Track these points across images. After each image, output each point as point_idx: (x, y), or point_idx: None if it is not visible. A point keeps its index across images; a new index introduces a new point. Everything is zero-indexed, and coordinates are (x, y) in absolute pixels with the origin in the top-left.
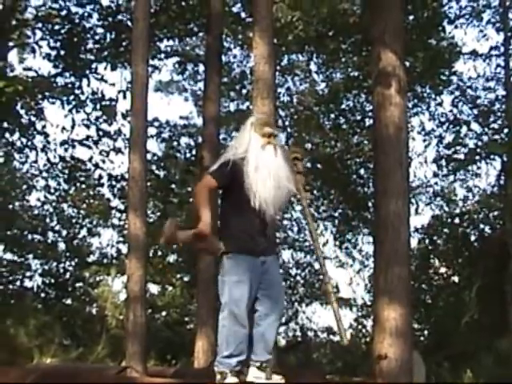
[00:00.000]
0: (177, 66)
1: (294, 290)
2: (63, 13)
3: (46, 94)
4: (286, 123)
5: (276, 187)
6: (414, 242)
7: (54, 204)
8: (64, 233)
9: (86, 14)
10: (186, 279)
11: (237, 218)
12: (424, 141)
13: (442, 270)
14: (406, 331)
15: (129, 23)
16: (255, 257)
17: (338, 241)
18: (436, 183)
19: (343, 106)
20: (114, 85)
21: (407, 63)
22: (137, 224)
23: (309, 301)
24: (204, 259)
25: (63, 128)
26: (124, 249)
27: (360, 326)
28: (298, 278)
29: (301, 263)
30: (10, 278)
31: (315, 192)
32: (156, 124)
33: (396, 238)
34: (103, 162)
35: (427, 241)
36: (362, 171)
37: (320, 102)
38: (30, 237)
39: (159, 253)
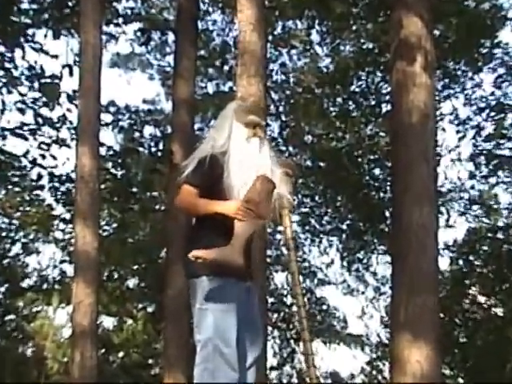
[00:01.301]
0: (139, 34)
1: (289, 324)
2: None
3: None
4: (280, 109)
5: None
6: (444, 263)
7: None
8: None
9: None
10: (149, 310)
11: (218, 231)
12: (458, 132)
13: (481, 299)
14: (433, 378)
15: None
16: (242, 281)
17: (345, 261)
18: (473, 187)
19: (353, 88)
20: (56, 57)
21: (436, 32)
22: (86, 238)
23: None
24: (173, 283)
25: None
26: (70, 270)
27: (374, 371)
28: (294, 308)
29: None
30: None
31: (317, 198)
32: (112, 109)
33: (420, 257)
34: (43, 157)
35: (461, 261)
36: (376, 171)
37: (324, 82)
38: None
39: (115, 275)
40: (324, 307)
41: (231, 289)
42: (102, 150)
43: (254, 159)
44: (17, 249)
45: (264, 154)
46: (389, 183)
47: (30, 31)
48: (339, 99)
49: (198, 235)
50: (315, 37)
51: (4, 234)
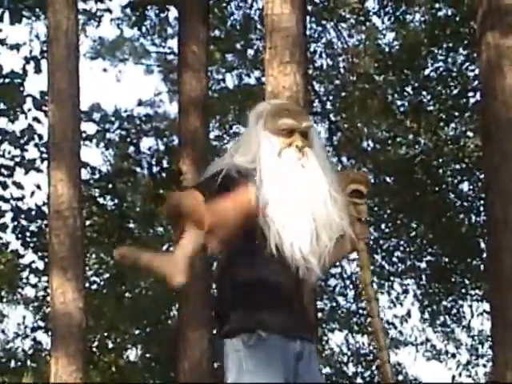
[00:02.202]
0: (129, 11)
1: None
2: None
3: None
4: (328, 106)
5: (316, 224)
6: None
7: None
8: None
9: None
10: None
11: (249, 273)
12: None
13: None
14: None
15: None
16: (288, 339)
17: (427, 312)
18: None
19: (427, 72)
20: (17, 48)
21: None
22: (67, 295)
23: None
24: (190, 353)
25: None
26: (46, 340)
27: None
28: (360, 381)
29: (362, 354)
30: None
31: (383, 227)
32: (97, 116)
33: None
34: (3, 186)
35: None
36: (464, 185)
37: (386, 66)
38: None
39: (110, 344)
40: (400, 377)
41: (274, 351)
42: (85, 173)
43: (296, 181)
44: None
45: (314, 171)
46: (482, 202)
47: None
48: (408, 89)
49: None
50: (372, 3)
51: None
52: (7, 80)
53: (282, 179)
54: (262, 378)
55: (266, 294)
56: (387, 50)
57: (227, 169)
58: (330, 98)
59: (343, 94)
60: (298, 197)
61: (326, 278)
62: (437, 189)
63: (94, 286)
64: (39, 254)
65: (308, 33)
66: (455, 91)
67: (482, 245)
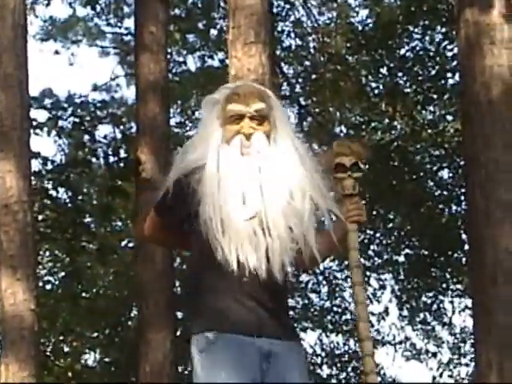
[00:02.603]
0: None
1: None
2: None
3: None
4: (297, 89)
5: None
6: None
7: None
8: None
9: None
10: None
11: (207, 274)
12: None
13: None
14: None
15: None
16: (249, 338)
17: (405, 308)
18: None
19: (403, 52)
20: None
21: None
22: (18, 296)
23: None
24: (152, 356)
25: None
26: None
27: None
28: (334, 381)
29: (338, 355)
30: None
31: None
32: (48, 102)
33: None
34: None
35: None
36: (444, 172)
37: (359, 45)
38: None
39: (65, 348)
40: (378, 379)
41: (228, 349)
42: (36, 164)
43: (236, 172)
44: None
45: (258, 161)
46: (463, 190)
47: None
48: (383, 70)
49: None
50: None
51: None
52: None
53: (229, 171)
54: (213, 380)
55: (221, 295)
56: (360, 28)
57: (183, 173)
58: (300, 80)
59: (313, 76)
60: (234, 191)
61: (298, 273)
62: (414, 177)
63: (48, 286)
64: None
65: (275, 11)
66: (433, 72)
67: (464, 236)
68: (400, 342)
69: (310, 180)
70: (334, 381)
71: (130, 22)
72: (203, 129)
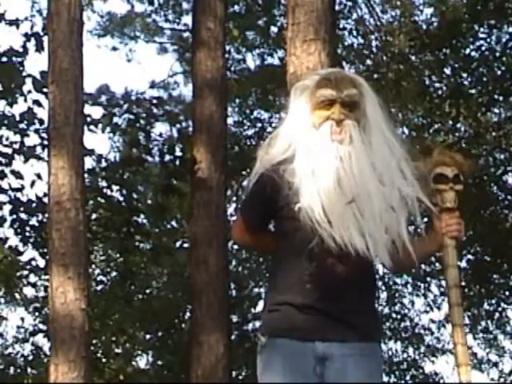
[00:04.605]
0: None
1: None
2: None
3: None
4: None
5: (361, 204)
6: None
7: None
8: None
9: None
10: None
11: (279, 273)
12: None
13: None
14: None
15: None
16: (302, 342)
17: (466, 316)
18: None
19: (468, 52)
20: (16, 24)
21: None
22: (68, 295)
23: None
24: (204, 360)
25: None
26: (46, 346)
27: None
28: None
29: (396, 362)
30: None
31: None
32: (104, 98)
33: None
34: (1, 176)
35: None
36: (509, 177)
37: (423, 44)
38: None
39: (117, 349)
40: None
41: (278, 354)
42: (90, 162)
43: (331, 158)
44: None
45: (350, 149)
46: None
47: None
48: (447, 70)
49: (270, 277)
50: None
51: None
52: (5, 59)
53: (314, 157)
54: (265, 380)
55: (284, 296)
56: (424, 27)
57: (260, 174)
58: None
59: (375, 75)
60: (329, 177)
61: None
62: (477, 180)
63: (100, 286)
64: (40, 250)
65: (337, 8)
66: (498, 73)
67: None
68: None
69: (399, 169)
70: None
71: (188, 19)
72: (290, 116)
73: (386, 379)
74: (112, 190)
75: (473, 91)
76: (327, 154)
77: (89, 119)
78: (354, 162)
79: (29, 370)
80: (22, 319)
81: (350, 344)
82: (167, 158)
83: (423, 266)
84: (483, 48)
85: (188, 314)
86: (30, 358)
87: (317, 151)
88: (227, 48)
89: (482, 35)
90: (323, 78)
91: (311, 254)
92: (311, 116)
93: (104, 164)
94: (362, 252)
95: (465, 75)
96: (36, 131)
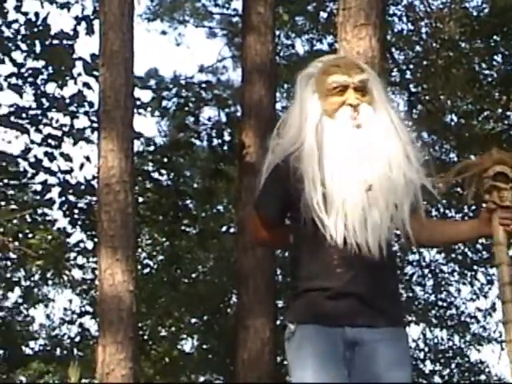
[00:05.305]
0: None
1: None
2: None
3: None
4: (408, 76)
5: (378, 189)
6: None
7: None
8: None
9: None
10: None
11: (304, 260)
12: None
13: None
14: None
15: None
16: (329, 326)
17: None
18: None
19: None
20: (67, 7)
21: None
22: (116, 276)
23: None
24: (250, 344)
25: None
26: (94, 327)
27: None
28: (437, 378)
29: (441, 350)
30: None
31: (466, 210)
32: (153, 82)
33: None
34: (50, 158)
35: None
36: None
37: (474, 31)
38: None
39: (163, 333)
40: (483, 377)
41: (309, 340)
42: (138, 145)
43: (348, 145)
44: (16, 296)
45: (370, 132)
46: None
47: None
48: (498, 58)
49: (291, 265)
50: None
51: None
52: (56, 41)
53: (337, 145)
54: (298, 368)
55: (306, 283)
56: (475, 13)
57: (275, 165)
58: (411, 66)
59: (425, 62)
60: (351, 161)
61: (402, 265)
62: None
63: (147, 270)
64: (88, 232)
65: None
66: None
67: None
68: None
69: (405, 153)
70: (436, 377)
71: (238, 4)
72: (298, 105)
73: (431, 367)
74: (160, 174)
75: None
76: (348, 140)
77: (138, 102)
78: (371, 148)
79: (75, 351)
80: (70, 301)
81: (379, 329)
82: (215, 142)
83: (470, 254)
84: None
85: (234, 298)
86: (77, 339)
87: (334, 138)
88: (277, 33)
89: None
90: (332, 65)
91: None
92: (322, 103)
93: (152, 148)
94: (363, 245)
95: None
96: (86, 114)
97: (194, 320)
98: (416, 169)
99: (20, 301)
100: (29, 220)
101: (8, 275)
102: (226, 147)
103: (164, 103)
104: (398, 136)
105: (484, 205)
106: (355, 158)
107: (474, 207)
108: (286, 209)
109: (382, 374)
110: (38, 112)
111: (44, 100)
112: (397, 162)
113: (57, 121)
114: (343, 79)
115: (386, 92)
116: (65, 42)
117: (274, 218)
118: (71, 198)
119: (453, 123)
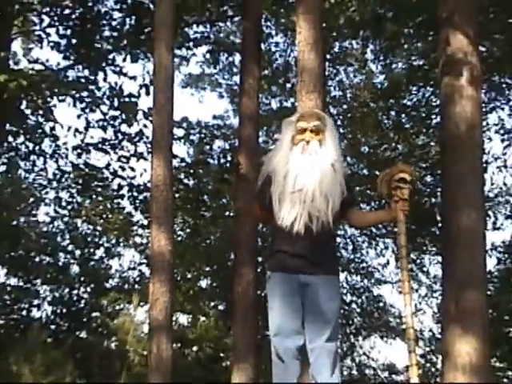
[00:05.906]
0: (208, 56)
1: (349, 320)
2: None
3: (55, 90)
4: (339, 122)
5: (312, 197)
6: (491, 263)
7: (65, 220)
8: (78, 253)
9: None
10: (220, 307)
11: (276, 234)
12: (503, 141)
13: None
14: (482, 368)
15: (151, 6)
16: (289, 273)
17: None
18: None
19: (405, 102)
20: (134, 78)
21: (482, 48)
22: (161, 242)
23: (366, 333)
24: (241, 283)
25: (76, 130)
26: (147, 271)
27: (428, 364)
28: (354, 305)
29: (356, 288)
30: (15, 306)
31: (373, 204)
32: (184, 124)
33: (469, 258)
34: (123, 169)
35: (509, 261)
36: (428, 178)
37: (378, 96)
38: (37, 259)
39: (189, 276)
40: (381, 304)
41: (277, 283)
42: (175, 162)
43: (295, 165)
44: (100, 253)
45: (311, 158)
46: (439, 189)
47: (110, 56)
48: (392, 112)
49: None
50: (370, 55)
51: (89, 239)
52: (127, 99)
53: (291, 166)
54: (271, 300)
55: (277, 247)
56: (379, 86)
57: (266, 175)
58: (340, 117)
59: (349, 114)
60: (294, 178)
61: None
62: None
63: (179, 238)
64: (144, 214)
65: (326, 73)
66: (424, 115)
67: (438, 217)
68: (396, 282)
69: (335, 169)
70: (353, 304)
71: (237, 77)
72: (282, 139)
73: (350, 298)
74: (188, 180)
75: (407, 126)
76: (298, 161)
77: (175, 136)
78: (314, 166)
79: (136, 286)
80: (133, 256)
81: (319, 276)
82: (222, 161)
83: (374, 230)
84: (414, 99)
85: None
86: (137, 279)
87: (292, 159)
88: (260, 96)
89: (413, 92)
90: (300, 115)
91: (293, 222)
92: (293, 139)
93: (183, 164)
94: (300, 225)
95: (403, 115)
96: (144, 143)
97: (207, 268)
98: (341, 176)
99: (103, 256)
100: (109, 206)
101: (96, 240)
102: (228, 164)
103: (191, 137)
104: (334, 159)
105: (393, 198)
106: (298, 171)
107: (378, 202)
108: (270, 200)
109: (321, 304)
110: (116, 142)
111: (119, 134)
112: (329, 173)
113: (127, 147)
114: (304, 124)
115: (335, 135)
116: (132, 99)
117: (265, 206)
118: (135, 193)
119: (365, 152)
